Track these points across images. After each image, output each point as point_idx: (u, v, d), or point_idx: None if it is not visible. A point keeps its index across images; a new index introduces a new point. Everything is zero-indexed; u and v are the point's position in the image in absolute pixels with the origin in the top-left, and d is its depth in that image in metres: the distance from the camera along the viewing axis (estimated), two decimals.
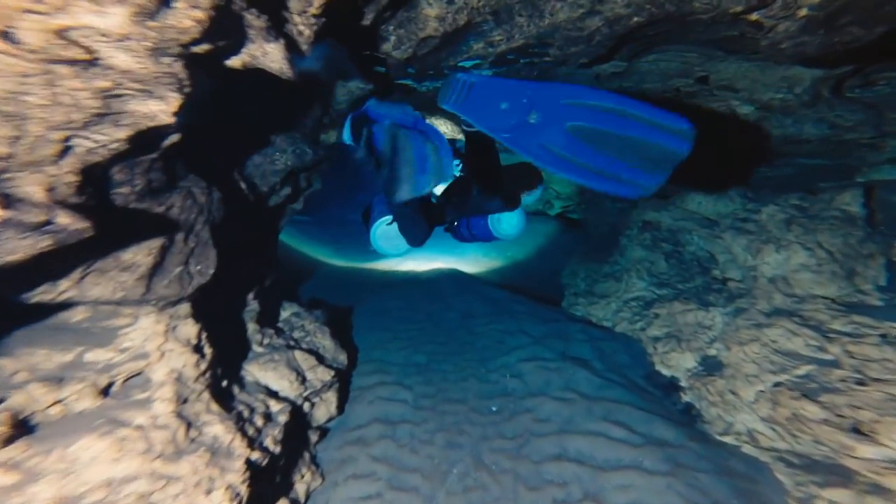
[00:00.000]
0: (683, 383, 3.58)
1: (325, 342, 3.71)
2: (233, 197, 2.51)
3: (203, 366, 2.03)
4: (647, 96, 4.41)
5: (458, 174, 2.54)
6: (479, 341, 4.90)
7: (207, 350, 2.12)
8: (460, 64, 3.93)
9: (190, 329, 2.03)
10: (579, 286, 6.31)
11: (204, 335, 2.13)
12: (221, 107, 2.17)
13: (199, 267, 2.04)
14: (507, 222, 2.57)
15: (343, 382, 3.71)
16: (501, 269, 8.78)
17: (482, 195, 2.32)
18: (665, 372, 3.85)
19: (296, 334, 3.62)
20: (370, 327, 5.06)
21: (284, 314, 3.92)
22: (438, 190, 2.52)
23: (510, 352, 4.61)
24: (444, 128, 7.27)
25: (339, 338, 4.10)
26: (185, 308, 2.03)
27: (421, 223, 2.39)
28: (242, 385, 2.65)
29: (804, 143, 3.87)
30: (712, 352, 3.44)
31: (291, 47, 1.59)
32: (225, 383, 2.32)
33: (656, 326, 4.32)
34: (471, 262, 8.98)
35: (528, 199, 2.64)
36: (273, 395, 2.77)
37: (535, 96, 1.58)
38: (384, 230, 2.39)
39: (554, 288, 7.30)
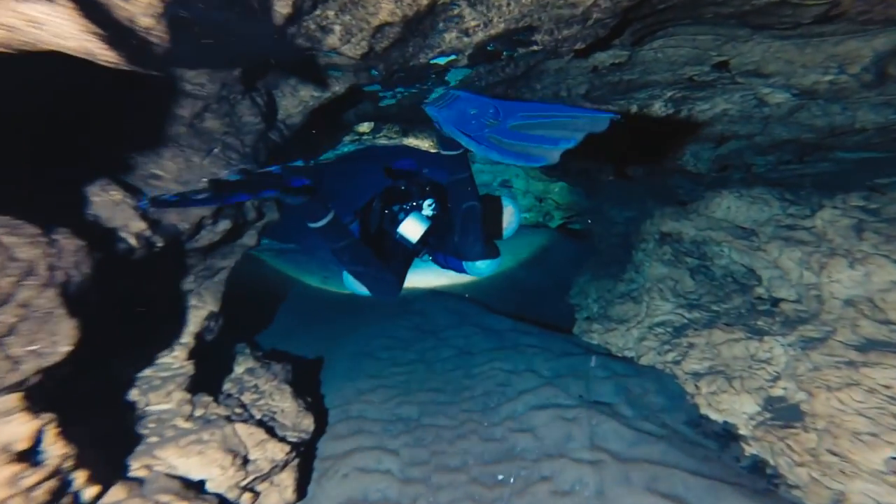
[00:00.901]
0: (744, 432, 2.82)
1: (285, 404, 2.99)
2: (108, 241, 1.86)
3: (34, 477, 1.34)
4: (653, 89, 3.80)
5: (433, 213, 2.46)
6: (480, 384, 4.15)
7: (55, 452, 1.44)
8: (433, 61, 3.34)
9: (15, 429, 1.35)
10: (592, 309, 5.57)
11: (51, 431, 1.45)
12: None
13: (35, 347, 1.37)
14: (482, 264, 2.32)
15: (306, 455, 2.97)
16: (502, 287, 8.06)
17: (463, 242, 2.14)
18: (716, 417, 3.09)
19: (246, 397, 2.90)
20: (350, 374, 4.33)
21: (237, 371, 3.21)
22: (415, 236, 2.31)
23: (518, 396, 3.85)
24: (424, 144, 6.74)
25: (306, 395, 3.37)
26: (5, 402, 1.35)
27: (387, 278, 2.17)
28: (141, 482, 1.94)
29: (854, 133, 3.22)
30: (778, 392, 2.70)
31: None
32: (89, 492, 1.61)
33: (694, 359, 3.57)
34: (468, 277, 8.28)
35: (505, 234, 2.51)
36: (193, 489, 2.05)
37: (500, 107, 1.80)
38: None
39: (561, 308, 6.56)
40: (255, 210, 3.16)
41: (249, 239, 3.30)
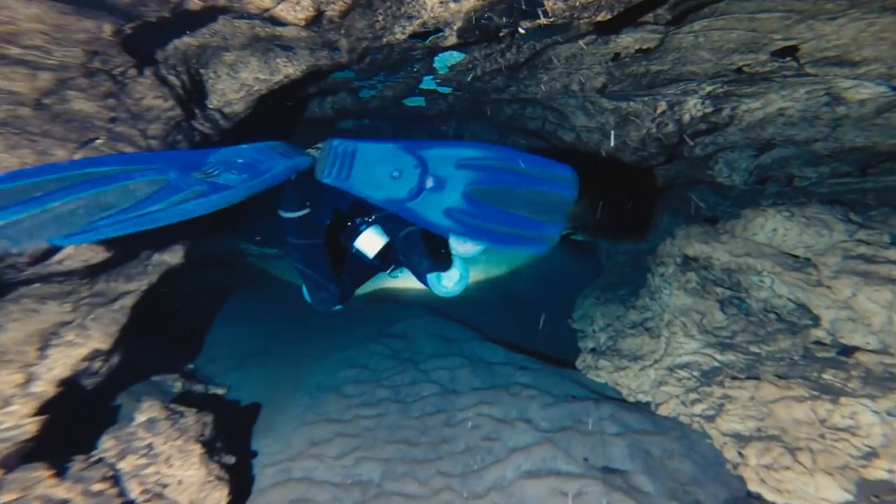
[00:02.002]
0: None
1: (187, 472, 2.24)
2: None
3: None
4: (688, 83, 3.07)
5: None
6: (463, 437, 3.40)
7: None
8: (413, 39, 2.61)
9: None
10: (598, 339, 4.83)
11: None
12: None
13: None
14: (443, 284, 2.16)
15: None
16: (497, 304, 7.31)
17: (409, 262, 2.04)
18: (776, 500, 2.34)
19: (126, 464, 2.15)
20: (306, 417, 3.58)
21: (135, 423, 2.46)
22: (372, 251, 2.11)
23: (508, 457, 3.10)
24: None
25: (233, 452, 2.63)
26: None
27: (329, 288, 2.01)
28: None
29: None
30: (878, 474, 1.98)
31: None
32: None
33: (734, 416, 2.83)
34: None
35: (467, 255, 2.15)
36: None
37: (425, 159, 1.50)
38: None
39: (562, 331, 5.83)
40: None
41: (172, 256, 2.58)
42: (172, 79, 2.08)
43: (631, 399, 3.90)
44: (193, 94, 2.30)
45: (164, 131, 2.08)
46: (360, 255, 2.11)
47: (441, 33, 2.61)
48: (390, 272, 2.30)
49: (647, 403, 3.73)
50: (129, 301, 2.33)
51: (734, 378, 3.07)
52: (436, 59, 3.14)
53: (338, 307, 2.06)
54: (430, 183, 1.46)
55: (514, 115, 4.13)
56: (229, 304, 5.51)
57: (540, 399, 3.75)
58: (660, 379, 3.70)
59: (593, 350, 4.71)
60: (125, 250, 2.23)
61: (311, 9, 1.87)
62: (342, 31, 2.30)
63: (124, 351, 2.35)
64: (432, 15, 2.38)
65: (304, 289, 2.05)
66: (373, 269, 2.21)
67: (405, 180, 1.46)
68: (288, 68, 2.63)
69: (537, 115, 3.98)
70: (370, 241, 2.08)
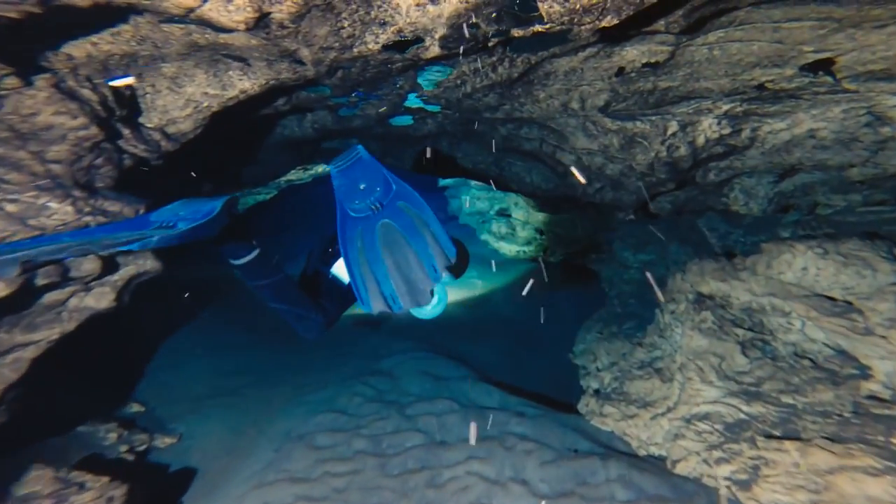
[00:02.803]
0: None
1: None
2: None
3: None
4: (701, 101, 2.70)
5: None
6: (450, 502, 2.91)
7: None
8: (388, 52, 2.23)
9: None
10: (603, 379, 4.33)
11: None
12: None
13: None
14: (424, 310, 2.13)
15: None
16: (494, 333, 6.82)
17: None
18: None
19: None
20: (265, 475, 3.08)
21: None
22: (347, 277, 1.96)
23: None
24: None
25: None
26: None
27: (312, 317, 1.98)
28: None
29: None
30: None
31: None
32: None
33: (776, 485, 2.34)
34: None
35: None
36: None
37: (388, 191, 1.68)
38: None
39: (562, 363, 5.35)
40: (99, 257, 2.02)
41: (97, 299, 2.15)
42: (85, 92, 1.70)
43: (642, 452, 3.39)
44: (120, 111, 1.91)
45: (73, 154, 1.68)
46: (336, 281, 2.10)
47: (421, 43, 2.25)
48: None
49: (662, 459, 3.23)
50: (28, 353, 1.89)
51: (769, 436, 2.59)
52: (419, 73, 2.78)
53: (322, 335, 2.04)
54: (370, 210, 1.64)
55: (508, 135, 3.77)
56: (199, 330, 5.04)
57: (538, 454, 3.26)
58: (675, 431, 3.21)
59: (597, 392, 4.22)
60: (29, 294, 1.80)
61: (249, 9, 1.50)
62: (300, 39, 1.93)
63: (20, 405, 1.90)
64: (409, 21, 2.02)
65: (290, 324, 2.01)
66: (351, 296, 2.15)
67: (364, 193, 1.65)
68: (243, 82, 2.25)
69: (534, 136, 3.62)
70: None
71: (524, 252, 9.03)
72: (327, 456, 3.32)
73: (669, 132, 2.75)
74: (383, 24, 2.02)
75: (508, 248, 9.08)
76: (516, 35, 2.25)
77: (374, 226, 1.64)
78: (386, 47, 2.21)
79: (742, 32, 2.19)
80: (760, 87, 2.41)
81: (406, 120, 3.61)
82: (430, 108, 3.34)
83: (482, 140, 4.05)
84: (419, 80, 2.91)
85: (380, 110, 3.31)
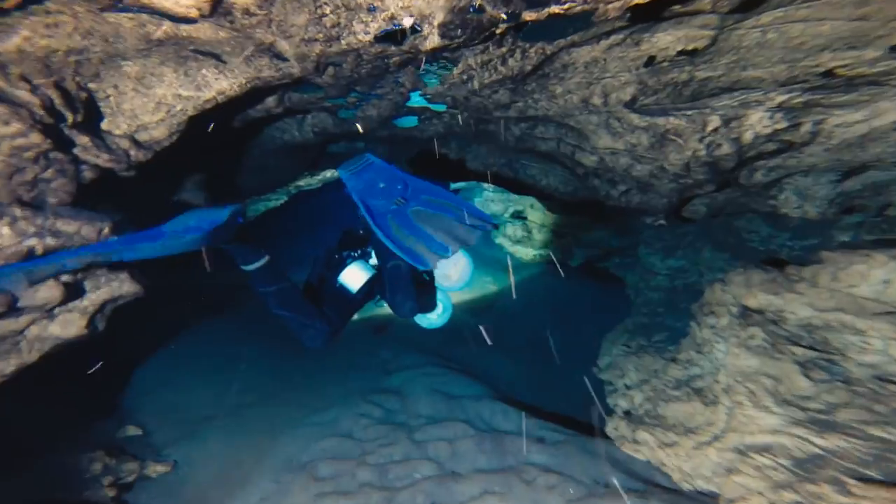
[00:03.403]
0: None
1: None
2: None
3: None
4: (749, 93, 2.28)
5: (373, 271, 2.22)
6: None
7: None
8: (382, 43, 1.93)
9: None
10: (633, 399, 3.91)
11: None
12: None
13: None
14: (427, 317, 2.21)
15: None
16: (510, 342, 6.44)
17: (392, 300, 1.97)
18: None
19: None
20: None
21: None
22: (355, 286, 2.08)
23: None
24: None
25: None
26: None
27: (316, 325, 1.94)
28: None
29: None
30: None
31: None
32: None
33: None
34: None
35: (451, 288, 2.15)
36: None
37: (410, 184, 1.80)
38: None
39: (585, 377, 4.94)
40: (62, 284, 1.77)
41: (63, 327, 1.91)
42: (21, 94, 1.45)
43: (686, 486, 2.97)
44: (74, 117, 1.66)
45: (9, 166, 1.43)
46: (343, 290, 2.08)
47: (418, 32, 1.93)
48: (376, 302, 2.28)
49: (713, 496, 2.81)
50: None
51: (865, 479, 2.15)
52: (421, 68, 2.47)
53: (327, 343, 1.98)
54: (396, 202, 1.72)
55: (522, 135, 3.41)
56: (205, 342, 4.85)
57: (562, 489, 2.89)
58: (727, 464, 2.78)
59: (628, 414, 3.79)
60: None
61: None
62: (274, 29, 1.64)
63: None
64: (402, 5, 1.70)
65: (293, 331, 1.98)
66: (358, 302, 2.14)
67: (384, 192, 1.73)
68: (220, 82, 1.98)
69: (550, 135, 3.26)
70: (354, 276, 2.08)
71: (541, 256, 8.61)
72: (329, 489, 3.03)
73: (709, 128, 2.35)
74: (372, 9, 1.71)
75: (524, 252, 8.68)
76: (529, 19, 1.90)
77: (406, 212, 1.70)
78: (379, 38, 1.91)
79: (809, 10, 1.79)
80: (828, 73, 1.99)
81: (411, 121, 3.31)
82: (435, 107, 3.02)
83: (494, 141, 3.71)
84: (421, 77, 2.60)
85: (381, 111, 3.02)
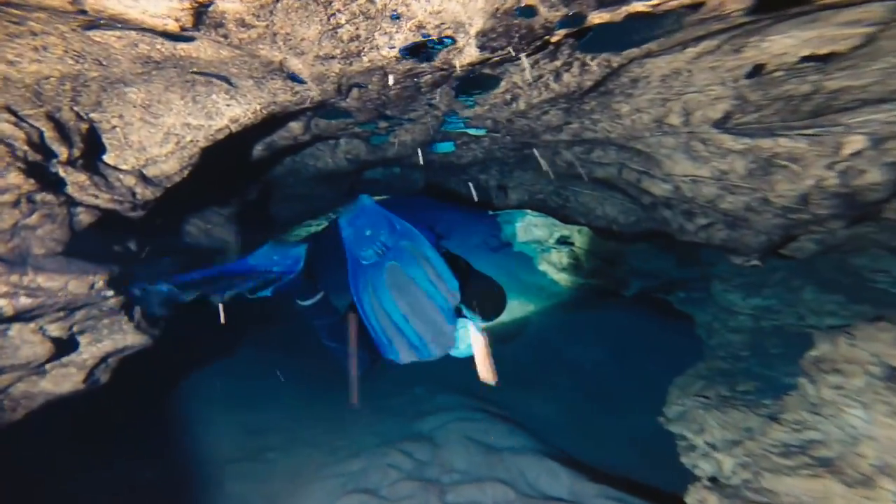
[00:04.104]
0: None
1: None
2: None
3: None
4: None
5: None
6: None
7: None
8: (405, 55, 1.61)
9: None
10: (722, 465, 3.18)
11: None
12: None
13: None
14: (456, 350, 2.02)
15: None
16: (555, 381, 5.78)
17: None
18: None
19: None
20: None
21: None
22: None
23: None
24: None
25: None
26: None
27: (361, 356, 1.90)
28: None
29: None
30: None
31: None
32: None
33: None
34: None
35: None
36: None
37: (394, 231, 1.75)
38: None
39: (646, 429, 4.23)
40: (49, 339, 1.56)
41: (56, 383, 1.71)
42: (3, 128, 1.26)
43: None
44: (70, 153, 1.47)
45: None
46: None
47: (451, 42, 1.58)
48: None
49: None
50: None
51: None
52: (455, 87, 2.13)
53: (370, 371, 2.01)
54: (372, 257, 1.71)
55: (575, 160, 2.97)
56: (234, 374, 4.70)
57: None
58: None
59: (715, 482, 3.07)
60: None
61: (190, 1, 0.93)
62: (280, 44, 1.36)
63: None
64: (431, 9, 1.37)
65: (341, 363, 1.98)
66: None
67: (368, 241, 1.72)
68: (233, 109, 1.75)
69: (610, 160, 2.78)
70: None
71: (590, 284, 7.88)
72: None
73: (847, 151, 1.78)
74: (395, 17, 1.39)
75: (571, 281, 8.00)
76: (597, 22, 1.50)
77: (382, 270, 1.68)
78: (406, 52, 1.59)
79: None
80: None
81: (448, 146, 2.98)
82: (473, 131, 2.67)
83: (540, 166, 3.29)
84: (457, 98, 2.25)
85: (415, 136, 2.71)
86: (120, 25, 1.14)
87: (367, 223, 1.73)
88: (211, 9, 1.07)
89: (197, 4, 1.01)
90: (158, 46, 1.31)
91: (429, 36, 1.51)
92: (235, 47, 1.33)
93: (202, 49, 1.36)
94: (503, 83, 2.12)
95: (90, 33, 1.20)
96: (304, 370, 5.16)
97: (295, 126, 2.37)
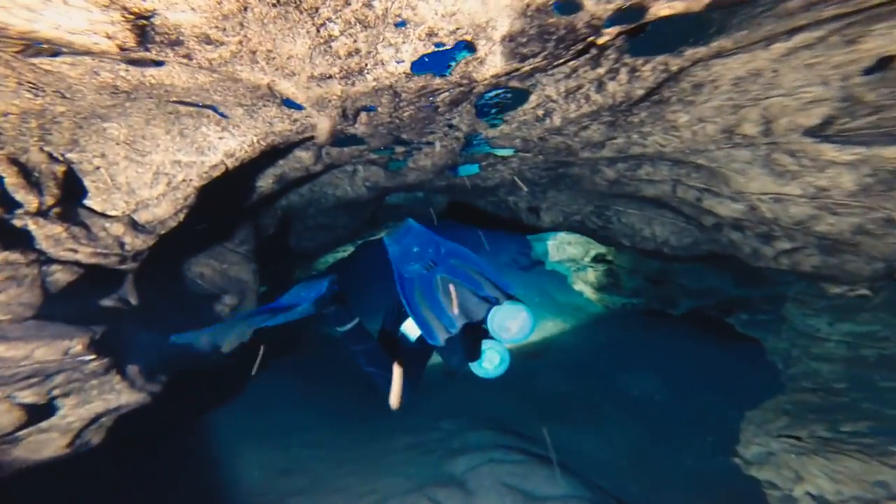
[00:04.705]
0: None
1: None
2: None
3: None
4: None
5: None
6: None
7: None
8: (418, 70, 1.33)
9: None
10: None
11: None
12: None
13: None
14: (483, 366, 2.11)
15: None
16: (607, 414, 5.20)
17: (442, 354, 2.01)
18: None
19: None
20: None
21: None
22: (414, 334, 2.09)
23: None
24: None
25: None
26: None
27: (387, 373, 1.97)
28: None
29: None
30: None
31: None
32: None
33: None
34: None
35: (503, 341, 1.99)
36: None
37: (440, 251, 1.85)
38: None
39: (713, 470, 3.64)
40: (20, 407, 1.36)
41: (33, 450, 1.50)
42: None
43: None
44: (38, 199, 1.27)
45: None
46: (405, 339, 2.11)
47: (471, 52, 1.28)
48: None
49: None
50: None
51: None
52: (478, 104, 1.81)
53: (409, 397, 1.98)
54: (426, 268, 1.78)
55: (619, 178, 2.56)
56: (262, 406, 4.51)
57: None
58: None
59: None
60: None
61: (96, 7, 0.69)
62: (263, 65, 1.11)
63: None
64: (444, 11, 1.07)
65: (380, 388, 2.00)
66: (423, 351, 2.16)
67: (417, 256, 1.80)
68: (227, 142, 1.52)
69: (662, 177, 2.36)
70: (413, 325, 2.07)
71: (633, 304, 7.24)
72: None
73: None
74: (401, 24, 1.11)
75: (610, 300, 7.39)
76: (661, 15, 1.15)
77: (432, 278, 1.77)
78: (417, 66, 1.30)
79: None
80: None
81: (471, 169, 2.67)
82: (499, 151, 2.35)
83: (577, 186, 2.90)
84: (478, 115, 1.94)
85: (436, 160, 2.42)
86: (66, 50, 0.92)
87: (414, 242, 1.81)
88: (157, 21, 0.82)
89: (132, 16, 0.76)
90: (123, 74, 1.09)
91: (443, 45, 1.22)
92: (210, 70, 1.08)
93: (175, 75, 1.13)
94: (533, 97, 1.79)
95: (36, 61, 0.99)
96: (329, 398, 4.92)
97: (304, 156, 2.15)
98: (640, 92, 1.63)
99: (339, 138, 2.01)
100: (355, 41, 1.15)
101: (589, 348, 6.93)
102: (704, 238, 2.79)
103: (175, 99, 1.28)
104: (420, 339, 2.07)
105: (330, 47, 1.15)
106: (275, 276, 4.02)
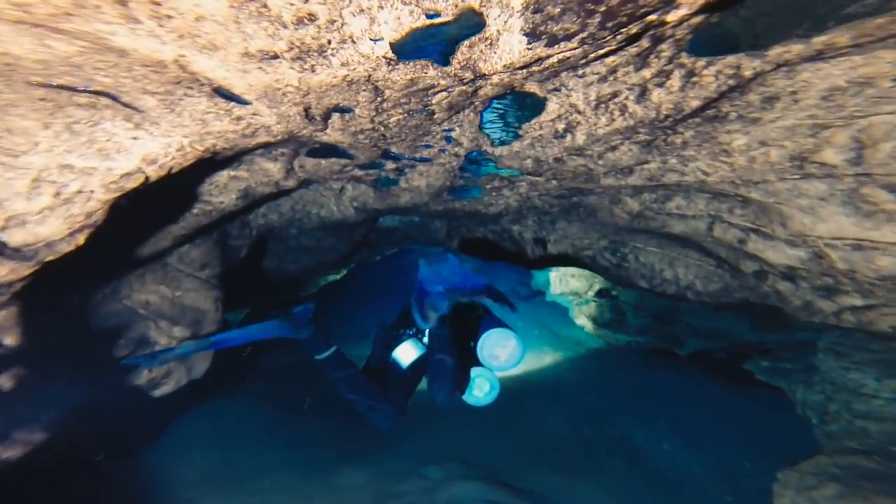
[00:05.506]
0: None
1: None
2: None
3: None
4: None
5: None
6: None
7: None
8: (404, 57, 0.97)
9: None
10: None
11: None
12: None
13: None
14: (473, 394, 2.11)
15: None
16: (597, 461, 4.62)
17: (431, 388, 1.98)
18: None
19: None
20: None
21: None
22: (407, 361, 2.14)
23: None
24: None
25: None
26: None
27: (383, 408, 2.04)
28: None
29: None
30: None
31: None
32: None
33: None
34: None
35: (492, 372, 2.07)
36: None
37: (466, 281, 1.97)
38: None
39: None
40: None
41: None
42: None
43: None
44: None
45: None
46: (396, 365, 2.10)
47: (478, 29, 0.88)
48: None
49: None
50: None
51: None
52: (485, 114, 1.41)
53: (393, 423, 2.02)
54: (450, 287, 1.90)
55: (643, 211, 2.15)
56: (215, 447, 3.92)
57: None
58: None
59: None
60: None
61: None
62: (145, 24, 0.70)
63: None
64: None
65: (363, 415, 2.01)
66: (412, 378, 2.12)
67: (445, 279, 1.91)
68: (146, 143, 1.10)
69: (697, 212, 1.94)
70: (406, 352, 2.11)
71: (638, 343, 6.75)
72: None
73: None
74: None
75: (613, 338, 6.90)
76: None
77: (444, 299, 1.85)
78: (403, 49, 0.90)
79: None
80: None
81: (473, 193, 2.26)
82: (505, 173, 1.94)
83: (592, 217, 2.49)
84: (484, 128, 1.54)
85: (431, 180, 2.01)
86: None
87: (444, 268, 1.90)
88: None
89: None
90: None
91: (438, 16, 0.83)
92: (54, 31, 0.66)
93: (7, 40, 0.71)
94: (553, 105, 1.38)
95: None
96: (303, 431, 4.32)
97: (271, 167, 1.73)
98: (695, 104, 1.23)
99: (313, 148, 1.60)
100: (306, 1, 0.74)
101: (589, 386, 6.39)
102: (738, 284, 2.36)
103: (39, 80, 0.86)
104: (412, 366, 2.10)
105: (266, 7, 0.74)
106: (248, 303, 3.55)
